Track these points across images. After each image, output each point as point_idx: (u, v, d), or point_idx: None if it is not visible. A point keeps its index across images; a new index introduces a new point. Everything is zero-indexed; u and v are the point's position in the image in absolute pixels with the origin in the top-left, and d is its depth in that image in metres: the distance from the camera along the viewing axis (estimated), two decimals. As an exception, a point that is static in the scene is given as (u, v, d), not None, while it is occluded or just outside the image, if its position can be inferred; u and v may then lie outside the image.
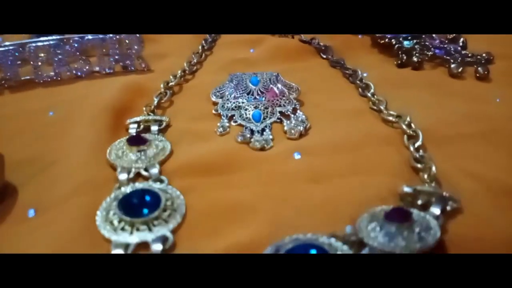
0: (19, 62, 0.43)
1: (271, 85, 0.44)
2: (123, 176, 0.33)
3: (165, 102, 0.44)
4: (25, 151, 0.38)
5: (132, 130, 0.39)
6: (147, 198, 0.32)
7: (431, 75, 0.55)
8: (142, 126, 0.40)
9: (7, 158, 0.34)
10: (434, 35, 0.63)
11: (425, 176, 0.35)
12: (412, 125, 0.42)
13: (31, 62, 0.44)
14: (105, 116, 0.40)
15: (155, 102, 0.42)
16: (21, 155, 0.37)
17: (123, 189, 0.33)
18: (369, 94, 0.49)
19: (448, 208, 0.30)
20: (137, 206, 0.32)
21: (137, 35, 0.47)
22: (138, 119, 0.39)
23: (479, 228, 0.30)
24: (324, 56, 0.58)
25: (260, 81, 0.45)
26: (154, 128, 0.39)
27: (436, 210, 0.30)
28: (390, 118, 0.44)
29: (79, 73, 0.46)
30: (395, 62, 0.58)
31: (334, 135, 0.40)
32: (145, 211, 0.31)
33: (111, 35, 0.47)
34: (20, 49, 0.42)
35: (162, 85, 0.44)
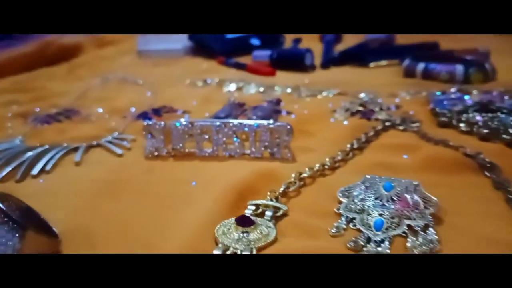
0: (187, 136, 0.50)
1: (405, 194, 0.39)
2: (217, 252, 0.34)
3: (292, 192, 0.42)
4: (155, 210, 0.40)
5: (248, 212, 0.39)
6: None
7: None
8: (260, 210, 0.39)
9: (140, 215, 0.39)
10: None
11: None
12: None
13: (196, 138, 0.50)
14: (232, 194, 0.41)
15: (281, 189, 0.42)
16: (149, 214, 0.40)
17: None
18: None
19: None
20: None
21: (288, 126, 0.48)
22: (259, 202, 0.40)
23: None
24: (488, 175, 0.44)
25: (394, 188, 0.40)
26: (269, 213, 0.38)
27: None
28: None
29: (232, 153, 0.50)
30: None
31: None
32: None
33: (265, 123, 0.49)
34: (190, 125, 0.49)
35: (293, 175, 0.44)
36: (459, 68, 0.71)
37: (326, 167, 0.45)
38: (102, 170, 0.47)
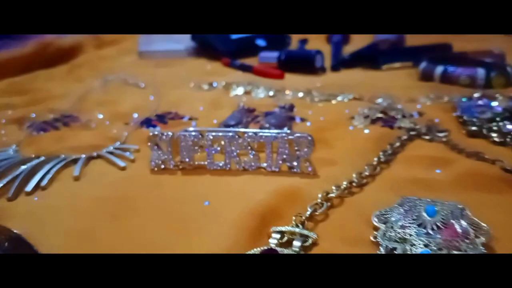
0: (196, 148, 0.45)
1: (452, 220, 0.33)
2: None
3: (320, 215, 0.37)
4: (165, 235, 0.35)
5: (273, 241, 0.34)
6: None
7: None
8: (286, 238, 0.34)
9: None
10: None
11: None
12: None
13: (207, 150, 0.45)
14: (252, 218, 0.36)
15: (308, 213, 0.36)
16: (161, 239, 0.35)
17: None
18: None
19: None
20: None
21: (309, 137, 0.43)
22: (283, 229, 0.34)
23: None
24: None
25: (438, 213, 0.34)
26: (297, 243, 0.33)
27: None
28: None
29: (246, 167, 0.44)
30: None
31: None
32: None
33: (283, 134, 0.43)
34: (200, 136, 0.44)
35: (320, 195, 0.38)
36: (481, 72, 0.66)
37: (353, 184, 0.40)
38: (104, 185, 0.42)
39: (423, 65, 0.73)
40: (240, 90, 0.71)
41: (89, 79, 0.82)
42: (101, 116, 0.61)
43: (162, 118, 0.59)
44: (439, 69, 0.70)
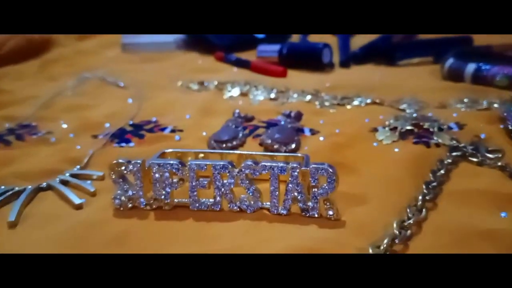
0: (175, 180, 0.31)
1: None
2: None
3: None
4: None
5: None
6: None
7: None
8: None
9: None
10: None
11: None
12: None
13: (189, 184, 0.31)
14: None
15: None
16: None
17: None
18: None
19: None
20: None
21: (330, 169, 0.29)
22: None
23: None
24: None
25: None
26: None
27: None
28: None
29: (243, 207, 0.31)
30: None
31: None
32: None
33: (294, 164, 0.30)
34: (180, 165, 0.31)
35: None
36: (523, 70, 0.54)
37: (396, 241, 0.28)
38: (46, 237, 0.30)
39: (450, 61, 0.60)
40: (235, 91, 0.58)
41: (64, 77, 0.69)
42: (65, 126, 0.49)
43: (137, 130, 0.46)
44: (471, 67, 0.57)
